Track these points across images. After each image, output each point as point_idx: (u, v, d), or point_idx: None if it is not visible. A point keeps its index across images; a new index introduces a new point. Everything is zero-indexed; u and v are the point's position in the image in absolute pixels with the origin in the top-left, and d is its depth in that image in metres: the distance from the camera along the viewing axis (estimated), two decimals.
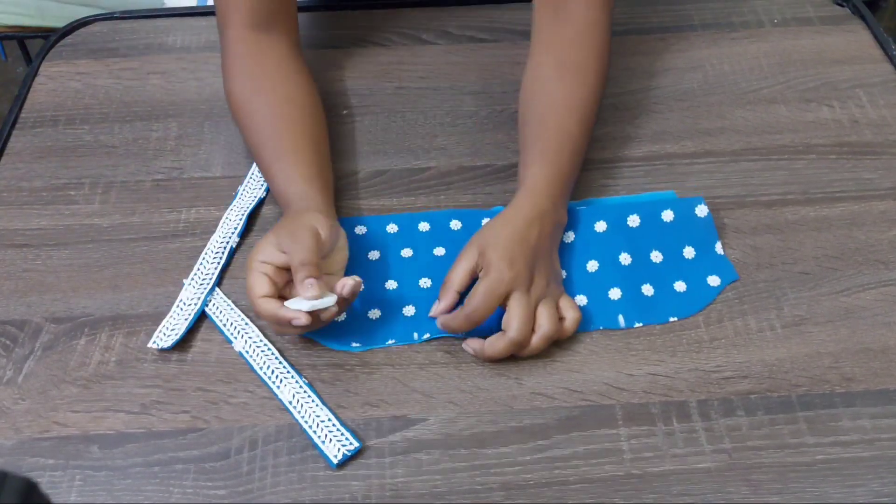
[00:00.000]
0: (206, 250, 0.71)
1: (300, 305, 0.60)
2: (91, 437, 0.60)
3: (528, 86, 0.77)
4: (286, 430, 0.61)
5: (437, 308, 0.65)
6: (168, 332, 0.65)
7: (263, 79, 0.75)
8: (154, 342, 0.65)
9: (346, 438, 0.59)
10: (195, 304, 0.67)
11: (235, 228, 0.73)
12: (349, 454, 0.58)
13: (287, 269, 0.63)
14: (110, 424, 0.61)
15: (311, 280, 0.60)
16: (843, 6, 0.96)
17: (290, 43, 0.79)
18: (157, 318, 0.67)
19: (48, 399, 0.63)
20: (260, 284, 0.62)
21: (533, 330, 0.63)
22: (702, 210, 0.72)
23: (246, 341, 0.65)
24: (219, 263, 0.70)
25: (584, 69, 0.75)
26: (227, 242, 0.72)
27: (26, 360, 0.65)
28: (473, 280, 0.64)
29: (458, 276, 0.64)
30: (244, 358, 0.64)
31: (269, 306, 0.61)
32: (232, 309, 0.67)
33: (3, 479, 0.35)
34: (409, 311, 0.67)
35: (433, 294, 0.67)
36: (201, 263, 0.70)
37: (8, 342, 0.66)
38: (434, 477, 0.58)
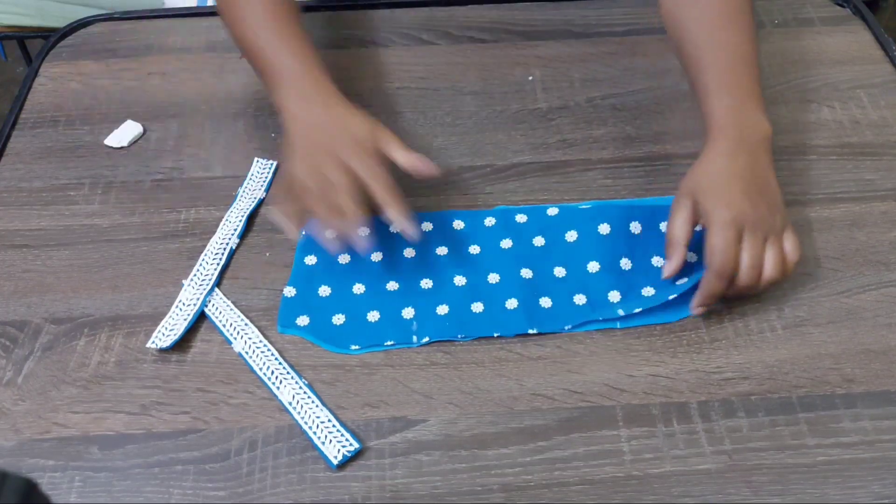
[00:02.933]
0: (205, 251, 0.71)
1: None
2: (91, 438, 0.60)
3: (665, 4, 0.74)
4: (286, 431, 0.61)
5: (668, 268, 0.65)
6: (167, 331, 0.65)
7: None
8: (153, 342, 0.65)
9: (346, 439, 0.59)
10: (194, 305, 0.67)
11: (235, 230, 0.73)
12: (349, 455, 0.58)
13: None
14: (110, 425, 0.61)
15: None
16: (843, 7, 0.96)
17: None
18: (156, 318, 0.67)
19: (48, 400, 0.63)
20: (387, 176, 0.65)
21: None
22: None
23: (245, 342, 0.65)
24: (218, 264, 0.70)
25: None
26: (227, 243, 0.72)
27: (26, 361, 0.65)
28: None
29: (678, 229, 0.65)
30: (244, 359, 0.64)
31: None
32: (231, 309, 0.67)
33: (4, 479, 0.35)
34: (408, 313, 0.67)
35: (434, 295, 0.67)
36: (201, 264, 0.70)
37: (8, 343, 0.66)
38: (434, 478, 0.58)
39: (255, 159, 0.79)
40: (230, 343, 0.65)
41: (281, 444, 0.60)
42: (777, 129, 0.81)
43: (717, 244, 0.62)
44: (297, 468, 0.59)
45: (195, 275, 0.70)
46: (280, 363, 0.64)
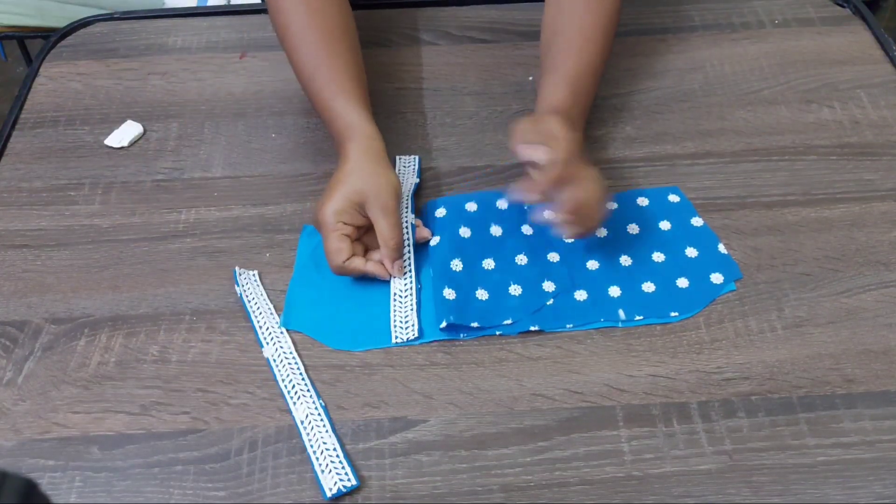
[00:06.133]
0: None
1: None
2: (91, 438, 0.60)
3: (554, 10, 0.78)
4: (286, 432, 0.60)
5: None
6: (403, 324, 0.66)
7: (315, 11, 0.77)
8: (396, 337, 0.65)
9: (346, 473, 0.57)
10: (410, 291, 0.67)
11: (406, 208, 0.72)
12: (344, 490, 0.57)
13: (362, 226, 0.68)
14: (110, 425, 0.61)
15: (401, 264, 0.68)
16: (843, 7, 0.96)
17: None
18: (156, 319, 0.67)
19: (48, 400, 0.63)
20: (343, 248, 0.66)
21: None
22: (697, 221, 0.73)
23: (276, 350, 0.65)
24: (408, 241, 0.70)
25: None
26: (406, 221, 0.71)
27: (26, 361, 0.65)
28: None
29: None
30: (270, 366, 0.64)
31: (357, 265, 0.67)
32: (272, 314, 0.67)
33: (4, 478, 0.35)
34: (515, 290, 0.68)
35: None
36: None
37: (8, 343, 0.66)
38: (434, 478, 0.58)
39: (397, 157, 0.79)
40: (261, 346, 0.65)
41: (281, 444, 0.60)
42: (777, 129, 0.82)
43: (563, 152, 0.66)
44: (297, 468, 0.59)
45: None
46: (303, 378, 0.63)
